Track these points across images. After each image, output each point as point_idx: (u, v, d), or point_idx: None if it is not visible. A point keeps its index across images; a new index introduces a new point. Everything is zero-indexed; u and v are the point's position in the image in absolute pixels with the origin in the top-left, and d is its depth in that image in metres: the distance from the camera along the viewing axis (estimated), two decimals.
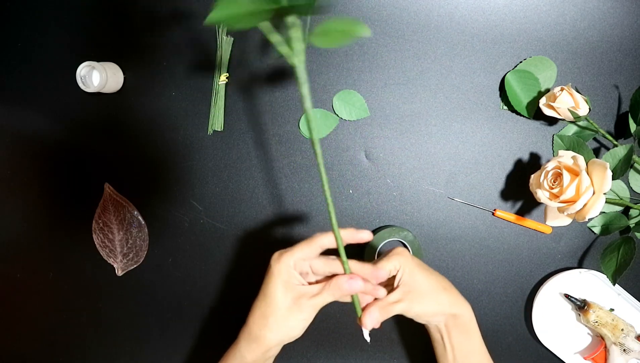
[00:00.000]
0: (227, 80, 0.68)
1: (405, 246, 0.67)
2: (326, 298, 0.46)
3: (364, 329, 0.48)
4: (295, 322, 0.46)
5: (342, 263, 0.47)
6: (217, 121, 0.69)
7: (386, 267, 0.49)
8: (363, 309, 0.48)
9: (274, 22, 0.38)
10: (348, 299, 0.48)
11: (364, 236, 0.47)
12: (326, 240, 0.46)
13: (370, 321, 0.47)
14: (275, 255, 0.47)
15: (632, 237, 0.58)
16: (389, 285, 0.51)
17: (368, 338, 0.49)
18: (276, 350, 0.50)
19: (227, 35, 0.67)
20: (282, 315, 0.46)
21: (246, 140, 0.69)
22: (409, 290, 0.49)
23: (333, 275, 0.47)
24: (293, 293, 0.46)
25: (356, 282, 0.45)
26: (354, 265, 0.47)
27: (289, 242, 0.70)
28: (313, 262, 0.47)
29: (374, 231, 0.68)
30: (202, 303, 0.73)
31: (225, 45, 0.67)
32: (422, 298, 0.49)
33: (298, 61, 0.38)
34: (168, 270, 0.72)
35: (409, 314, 0.50)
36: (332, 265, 0.47)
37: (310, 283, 0.48)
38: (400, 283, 0.49)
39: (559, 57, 0.65)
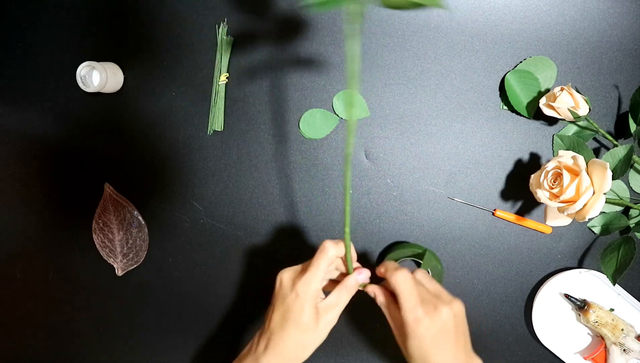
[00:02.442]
0: (227, 80, 0.68)
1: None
2: (344, 302, 0.48)
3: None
4: (324, 333, 0.48)
5: (347, 266, 0.50)
6: (217, 121, 0.69)
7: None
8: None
9: None
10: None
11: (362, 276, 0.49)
12: (335, 252, 0.48)
13: (363, 277, 0.50)
14: (300, 284, 0.46)
15: (632, 237, 0.58)
16: None
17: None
18: None
19: (227, 35, 0.67)
20: (319, 336, 0.47)
21: (246, 140, 0.69)
22: (407, 327, 0.46)
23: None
24: (319, 312, 0.47)
25: (363, 274, 0.49)
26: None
27: (289, 242, 0.70)
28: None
29: (397, 243, 0.68)
30: (202, 303, 0.73)
31: (225, 45, 0.67)
32: (418, 344, 0.45)
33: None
34: (168, 270, 0.73)
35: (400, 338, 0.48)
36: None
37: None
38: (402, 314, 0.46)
39: (559, 57, 0.65)
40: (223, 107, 0.69)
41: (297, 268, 0.49)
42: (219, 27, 0.67)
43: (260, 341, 0.48)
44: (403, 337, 0.46)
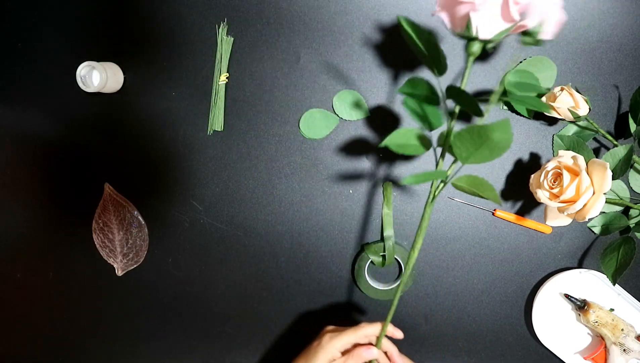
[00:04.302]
0: (227, 80, 0.68)
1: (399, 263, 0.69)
2: None
3: None
4: None
5: (378, 340, 0.56)
6: (217, 121, 0.69)
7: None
8: None
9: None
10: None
11: (398, 334, 0.58)
12: (371, 330, 0.56)
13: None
14: (327, 337, 0.56)
15: (632, 237, 0.58)
16: None
17: None
18: None
19: (227, 35, 0.68)
20: None
21: (246, 140, 0.69)
22: None
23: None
24: None
25: (372, 351, 0.55)
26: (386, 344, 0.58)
27: (289, 242, 0.70)
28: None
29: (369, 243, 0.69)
30: (202, 303, 0.73)
31: (225, 45, 0.67)
32: None
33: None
34: (168, 270, 0.73)
35: None
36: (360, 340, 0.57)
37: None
38: None
39: (559, 57, 0.65)
40: (223, 107, 0.69)
41: (339, 328, 0.58)
42: (219, 27, 0.67)
43: None
44: None
